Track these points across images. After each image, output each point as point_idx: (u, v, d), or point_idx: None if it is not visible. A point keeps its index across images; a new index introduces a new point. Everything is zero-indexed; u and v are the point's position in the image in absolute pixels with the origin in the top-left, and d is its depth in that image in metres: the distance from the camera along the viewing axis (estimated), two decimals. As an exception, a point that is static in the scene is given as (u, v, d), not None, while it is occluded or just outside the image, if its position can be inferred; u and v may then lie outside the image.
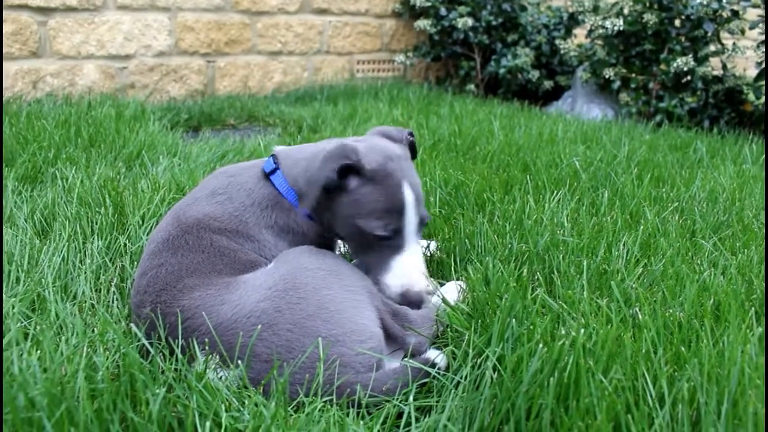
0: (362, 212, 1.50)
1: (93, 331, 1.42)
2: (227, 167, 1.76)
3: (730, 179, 2.76)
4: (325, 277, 1.35)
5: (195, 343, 1.29)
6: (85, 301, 1.59)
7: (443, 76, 6.37)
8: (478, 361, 1.28)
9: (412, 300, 1.50)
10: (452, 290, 1.64)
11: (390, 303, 1.45)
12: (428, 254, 1.92)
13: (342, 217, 1.53)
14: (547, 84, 5.66)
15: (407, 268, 1.53)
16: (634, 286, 1.61)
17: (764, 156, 3.17)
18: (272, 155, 1.69)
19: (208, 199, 1.62)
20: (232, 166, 1.77)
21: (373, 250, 1.54)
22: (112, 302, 1.61)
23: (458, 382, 1.26)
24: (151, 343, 1.32)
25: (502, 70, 5.55)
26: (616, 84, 4.83)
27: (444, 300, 1.53)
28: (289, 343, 1.25)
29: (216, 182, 1.66)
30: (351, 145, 1.52)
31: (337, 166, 1.46)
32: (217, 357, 1.27)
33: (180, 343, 1.31)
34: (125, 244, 1.86)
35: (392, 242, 1.52)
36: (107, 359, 1.26)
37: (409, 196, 1.51)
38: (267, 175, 1.64)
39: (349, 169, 1.49)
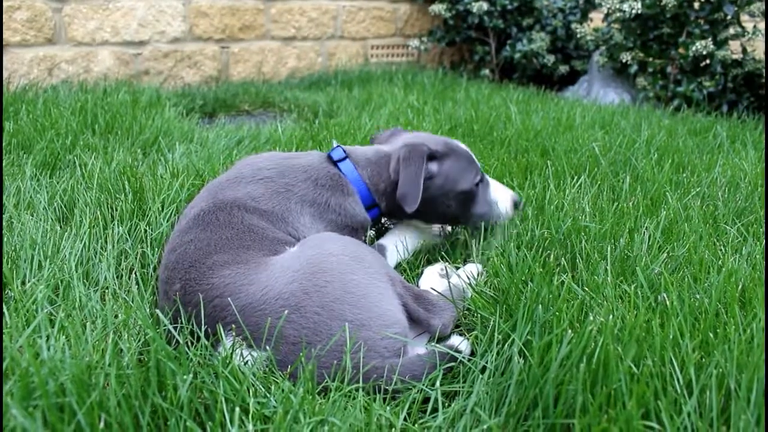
0: (458, 179, 1.79)
1: (116, 316, 1.43)
2: (274, 152, 1.83)
3: (751, 165, 2.72)
4: (349, 263, 1.35)
5: (220, 327, 1.29)
6: (107, 287, 1.60)
7: (458, 61, 6.33)
8: (504, 346, 1.27)
9: (518, 205, 1.88)
10: (473, 270, 1.66)
11: (411, 287, 1.46)
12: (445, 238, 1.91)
13: (442, 195, 1.79)
14: (563, 69, 5.60)
15: (501, 191, 1.88)
16: (658, 271, 1.59)
17: (764, 145, 3.13)
18: (337, 147, 1.80)
19: (252, 177, 1.66)
20: (282, 152, 1.83)
21: (473, 203, 1.82)
22: (134, 288, 1.61)
23: (484, 368, 1.26)
24: (176, 328, 1.32)
25: (517, 55, 5.50)
26: (634, 68, 4.77)
27: (468, 281, 1.55)
28: (317, 326, 1.25)
29: (264, 162, 1.72)
30: (417, 142, 1.77)
31: (423, 160, 1.71)
32: (245, 338, 1.27)
33: (206, 324, 1.31)
34: (146, 231, 1.86)
35: (482, 184, 1.84)
36: (132, 345, 1.27)
37: (466, 148, 1.86)
38: (334, 161, 1.76)
39: (428, 158, 1.74)
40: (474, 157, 1.85)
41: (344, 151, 1.80)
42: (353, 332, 1.25)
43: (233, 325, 1.28)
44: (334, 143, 1.84)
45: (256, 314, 1.28)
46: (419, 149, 1.72)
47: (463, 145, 1.86)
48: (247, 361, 1.26)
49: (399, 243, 1.84)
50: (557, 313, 1.25)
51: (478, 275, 1.64)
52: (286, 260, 1.37)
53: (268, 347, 1.25)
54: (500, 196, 1.87)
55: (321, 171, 1.72)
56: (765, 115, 4.00)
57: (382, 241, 1.85)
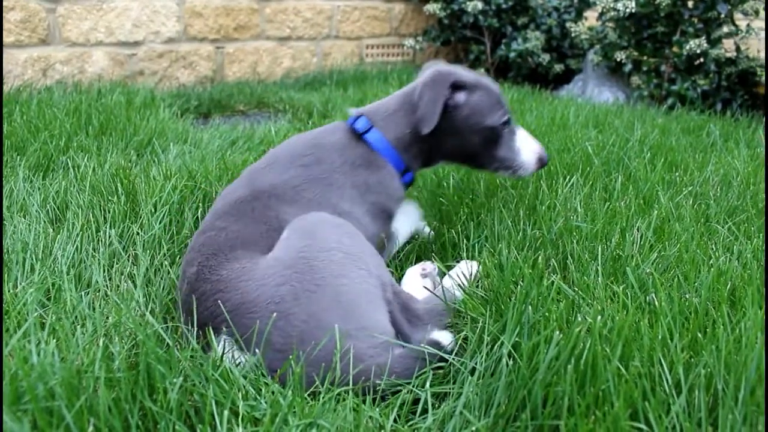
0: (485, 112, 1.77)
1: (108, 319, 1.43)
2: (303, 134, 1.81)
3: (744, 163, 2.73)
4: (343, 263, 1.33)
5: (210, 328, 1.29)
6: (99, 290, 1.60)
7: (453, 61, 6.33)
8: (494, 347, 1.27)
9: (544, 162, 1.87)
10: (465, 270, 1.64)
11: (400, 292, 1.45)
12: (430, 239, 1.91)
13: (467, 128, 1.78)
14: (558, 67, 5.61)
15: (528, 141, 1.86)
16: (648, 271, 1.60)
17: (764, 141, 3.13)
18: (358, 116, 1.78)
19: (291, 163, 1.65)
20: (309, 132, 1.81)
21: (496, 144, 1.82)
22: (126, 291, 1.62)
23: (474, 368, 1.26)
24: (167, 329, 1.33)
25: (512, 54, 5.50)
26: (628, 67, 4.78)
27: (459, 282, 1.54)
28: (303, 335, 1.24)
29: (298, 146, 1.71)
30: (445, 69, 1.76)
31: (445, 84, 1.71)
32: (236, 340, 1.28)
33: (205, 318, 1.32)
34: (138, 233, 1.86)
35: (508, 127, 1.83)
36: (123, 348, 1.27)
37: (498, 87, 1.84)
38: (360, 135, 1.74)
39: (455, 87, 1.74)
40: (504, 99, 1.85)
41: (367, 119, 1.77)
42: (340, 342, 1.24)
43: (224, 326, 1.28)
44: (352, 111, 1.82)
45: (247, 315, 1.28)
46: (444, 75, 1.73)
47: (495, 84, 1.85)
48: (239, 363, 1.26)
49: (403, 225, 1.83)
50: (546, 314, 1.26)
51: (472, 276, 1.61)
52: (279, 250, 1.36)
53: (257, 350, 1.25)
54: (526, 146, 1.85)
55: (352, 151, 1.70)
56: (765, 114, 4.01)
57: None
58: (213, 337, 1.28)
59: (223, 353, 1.24)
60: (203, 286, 1.35)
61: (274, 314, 1.25)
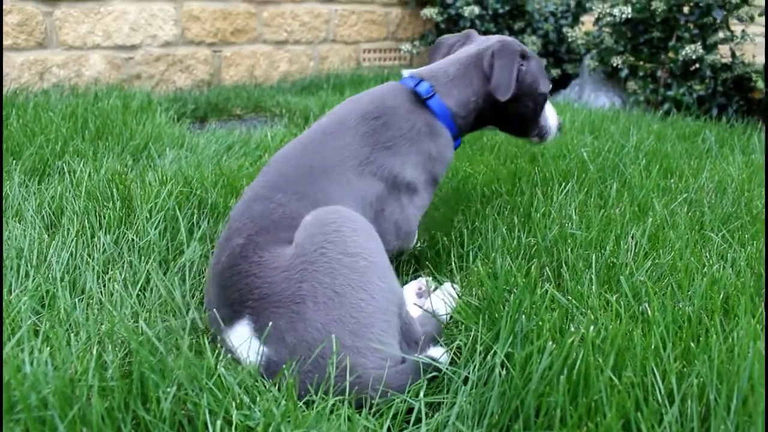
0: (539, 80, 1.88)
1: (101, 327, 1.43)
2: (360, 96, 1.78)
3: (738, 169, 2.74)
4: (364, 272, 1.29)
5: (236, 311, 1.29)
6: (92, 297, 1.60)
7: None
8: (487, 356, 1.28)
9: (560, 126, 2.06)
10: (450, 290, 1.61)
11: (407, 314, 1.40)
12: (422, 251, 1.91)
13: (526, 94, 1.87)
14: (555, 72, 5.62)
15: (551, 108, 2.02)
16: (642, 279, 1.60)
17: (765, 146, 3.14)
18: (419, 80, 1.77)
19: (357, 127, 1.62)
20: (367, 94, 1.77)
21: (542, 110, 1.95)
22: (120, 297, 1.62)
23: (467, 378, 1.26)
24: (162, 342, 1.32)
25: (508, 59, 5.50)
26: (624, 72, 4.79)
27: (434, 312, 1.52)
28: (314, 342, 1.22)
29: (366, 105, 1.68)
30: (508, 38, 1.85)
31: (516, 53, 1.78)
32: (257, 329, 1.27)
33: (233, 297, 1.31)
34: (133, 239, 1.86)
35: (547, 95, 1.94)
36: (117, 356, 1.27)
37: None
38: (423, 100, 1.74)
39: (522, 56, 1.82)
40: None
41: (429, 84, 1.77)
42: (347, 358, 1.22)
43: (247, 311, 1.28)
44: (406, 73, 1.82)
45: (270, 309, 1.26)
46: (513, 44, 1.81)
47: None
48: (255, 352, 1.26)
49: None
50: (539, 323, 1.26)
51: (453, 298, 1.58)
52: (302, 243, 1.31)
53: (268, 347, 1.25)
54: (551, 113, 2.02)
55: (419, 116, 1.71)
56: (763, 119, 4.02)
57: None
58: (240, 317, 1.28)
59: (218, 356, 1.24)
60: (242, 264, 1.32)
61: (294, 314, 1.24)
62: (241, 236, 1.38)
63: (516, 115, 1.90)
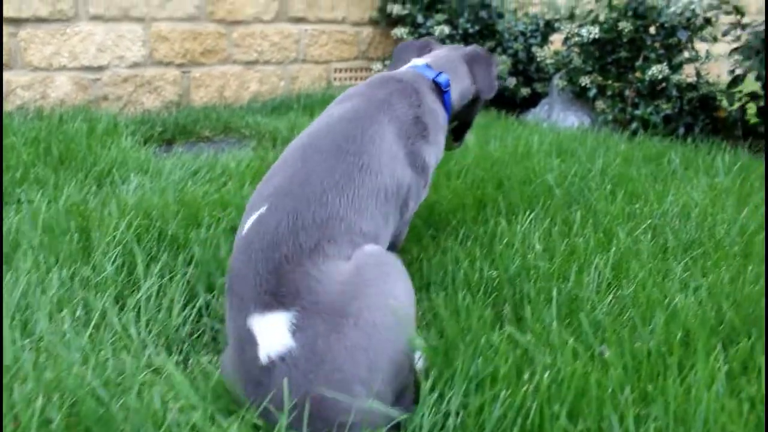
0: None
1: (48, 372, 1.38)
2: (389, 75, 1.78)
3: (702, 193, 2.76)
4: (403, 320, 1.26)
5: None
6: (42, 338, 1.55)
7: (421, 83, 6.35)
8: (443, 403, 1.26)
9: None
10: None
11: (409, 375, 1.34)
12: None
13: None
14: (524, 91, 5.66)
15: None
16: (603, 314, 1.60)
17: (764, 173, 3.16)
18: (437, 72, 1.83)
19: (394, 103, 1.63)
20: (398, 75, 1.77)
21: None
22: (71, 338, 1.57)
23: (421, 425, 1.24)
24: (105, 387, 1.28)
25: (479, 78, 5.53)
26: (593, 92, 4.83)
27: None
28: (337, 355, 1.18)
29: (394, 85, 1.70)
30: (474, 48, 2.02)
31: (493, 59, 2.00)
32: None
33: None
34: (88, 277, 1.82)
35: None
36: (64, 407, 1.23)
37: None
38: (443, 92, 1.82)
39: None
40: None
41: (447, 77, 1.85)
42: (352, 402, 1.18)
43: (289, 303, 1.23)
44: (420, 61, 1.88)
45: (315, 316, 1.22)
46: (486, 51, 2.01)
47: None
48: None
49: None
50: (495, 368, 1.24)
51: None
52: (365, 267, 1.29)
53: (296, 340, 1.20)
54: None
55: (439, 106, 1.78)
56: (765, 145, 4.07)
57: None
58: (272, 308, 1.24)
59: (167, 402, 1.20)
60: (307, 265, 1.27)
61: (335, 325, 1.21)
62: (281, 246, 1.29)
63: (472, 114, 2.08)
